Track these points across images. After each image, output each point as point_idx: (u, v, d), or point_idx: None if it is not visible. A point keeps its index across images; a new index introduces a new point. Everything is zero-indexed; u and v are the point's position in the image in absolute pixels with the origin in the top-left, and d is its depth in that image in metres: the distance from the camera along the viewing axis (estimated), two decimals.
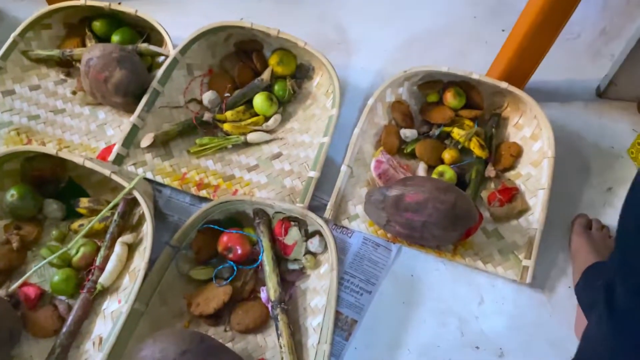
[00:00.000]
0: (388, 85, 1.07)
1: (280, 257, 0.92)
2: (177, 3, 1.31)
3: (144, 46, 1.12)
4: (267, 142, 1.08)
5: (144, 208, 0.87)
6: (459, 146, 1.06)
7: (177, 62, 1.08)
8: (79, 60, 1.14)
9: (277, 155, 1.05)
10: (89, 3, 1.14)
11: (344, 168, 1.00)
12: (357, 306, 0.91)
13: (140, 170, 0.99)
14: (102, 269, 0.87)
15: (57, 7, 1.15)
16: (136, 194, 0.88)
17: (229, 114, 1.08)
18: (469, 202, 0.90)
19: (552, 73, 1.17)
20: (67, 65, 1.17)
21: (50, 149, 0.91)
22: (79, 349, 0.82)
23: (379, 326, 0.89)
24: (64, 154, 0.91)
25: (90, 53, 1.04)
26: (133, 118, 1.01)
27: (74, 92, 1.12)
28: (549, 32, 1.02)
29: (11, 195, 0.91)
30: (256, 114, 1.10)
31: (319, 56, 1.08)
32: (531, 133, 1.06)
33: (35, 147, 0.91)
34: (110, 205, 0.89)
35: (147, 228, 0.85)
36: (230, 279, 0.89)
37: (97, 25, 1.17)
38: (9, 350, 0.79)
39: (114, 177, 0.89)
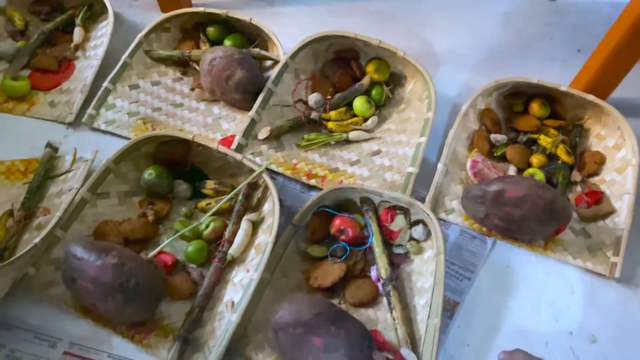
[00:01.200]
0: (480, 93, 1.17)
1: (386, 242, 1.00)
2: (278, 17, 1.43)
3: (256, 51, 1.24)
4: (366, 140, 1.18)
5: (272, 189, 0.97)
6: (546, 152, 1.14)
7: (287, 66, 1.20)
8: (195, 61, 1.26)
9: (377, 152, 1.15)
10: (208, 10, 1.26)
11: (440, 166, 1.09)
12: (457, 290, 0.99)
13: (258, 160, 1.09)
14: (230, 242, 0.97)
15: (177, 13, 1.29)
16: (265, 177, 0.98)
17: (332, 114, 1.18)
18: (564, 200, 0.99)
19: (633, 87, 1.25)
20: (183, 65, 1.29)
21: (187, 134, 1.02)
22: (212, 310, 0.92)
23: (478, 309, 0.97)
24: (199, 140, 1.02)
25: (214, 53, 1.16)
26: (252, 113, 1.12)
27: (192, 89, 1.24)
28: (633, 52, 1.11)
29: (149, 174, 1.02)
30: (355, 115, 1.21)
31: (417, 65, 1.18)
32: (614, 143, 1.14)
33: (173, 132, 1.03)
34: (241, 186, 1.00)
35: (275, 208, 0.95)
36: (344, 257, 0.98)
37: (211, 30, 1.30)
38: (155, 309, 0.89)
39: (245, 161, 1.00)
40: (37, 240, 0.88)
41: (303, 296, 0.87)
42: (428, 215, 0.98)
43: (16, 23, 1.32)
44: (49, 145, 1.08)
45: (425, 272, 0.97)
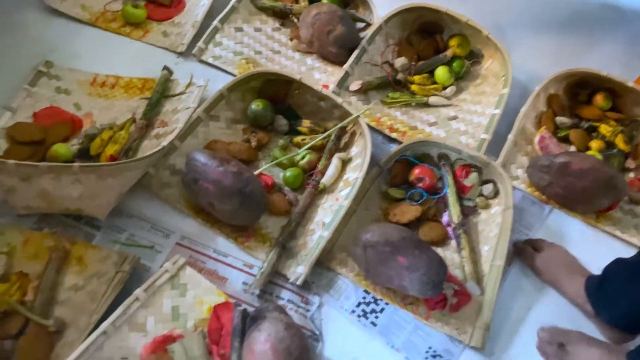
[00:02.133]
0: (552, 79, 1.29)
1: (458, 194, 1.13)
2: None
3: (351, 12, 1.36)
4: (444, 105, 1.30)
5: (366, 132, 1.10)
6: (605, 139, 1.26)
7: (380, 29, 1.31)
8: (295, 14, 1.38)
9: (454, 117, 1.27)
10: None
11: (510, 137, 1.21)
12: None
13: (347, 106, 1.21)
14: (322, 173, 1.10)
15: None
16: (361, 121, 1.11)
17: (416, 78, 1.30)
18: (623, 178, 1.11)
19: None
20: (282, 17, 1.41)
21: (295, 75, 1.14)
22: (305, 227, 1.05)
23: None
24: (305, 81, 1.14)
25: (319, 8, 1.28)
26: (346, 66, 1.25)
27: (290, 39, 1.36)
28: None
29: (257, 105, 1.15)
30: (436, 82, 1.33)
31: (499, 45, 1.30)
32: None
33: (282, 71, 1.15)
34: (338, 126, 1.13)
35: (367, 149, 1.08)
36: (421, 201, 1.10)
37: None
38: (260, 217, 1.02)
39: (345, 105, 1.12)
40: (164, 143, 1.01)
41: (388, 224, 1.00)
42: (501, 175, 1.10)
43: None
44: (165, 68, 1.20)
45: (491, 223, 1.10)
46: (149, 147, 1.08)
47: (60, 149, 1.03)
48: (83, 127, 1.12)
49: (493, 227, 1.09)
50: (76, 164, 0.92)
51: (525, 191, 1.19)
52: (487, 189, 1.13)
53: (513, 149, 1.22)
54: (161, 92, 1.17)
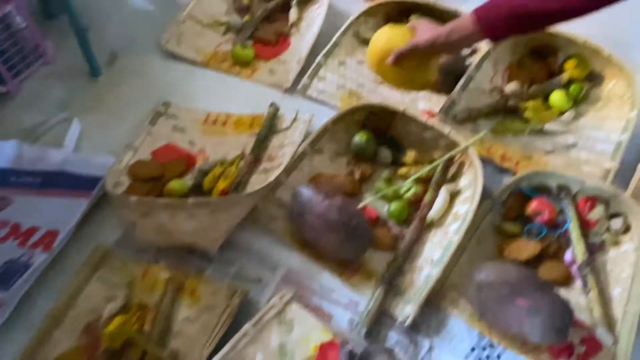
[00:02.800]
0: None
1: (582, 229, 1.03)
2: None
3: None
4: (562, 132, 1.20)
5: (476, 163, 1.04)
6: None
7: (489, 54, 1.26)
8: None
9: (573, 145, 1.17)
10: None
11: None
12: None
13: (454, 135, 1.16)
14: (429, 206, 1.05)
15: (385, 0, 1.40)
16: (471, 152, 1.06)
17: (529, 104, 1.22)
18: None
19: None
20: None
21: (399, 107, 1.12)
22: (412, 264, 1.01)
23: None
24: (410, 113, 1.12)
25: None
26: (453, 94, 1.20)
27: None
28: None
29: (360, 137, 1.14)
30: (550, 107, 1.24)
31: (622, 66, 1.19)
32: None
33: (387, 103, 1.13)
34: (445, 157, 1.09)
35: (478, 180, 1.02)
36: (540, 236, 1.02)
37: (414, 18, 1.39)
38: (365, 252, 0.99)
39: (452, 135, 1.08)
40: (271, 178, 1.03)
41: (503, 263, 0.93)
42: (632, 207, 0.99)
43: (243, 1, 1.51)
44: (273, 104, 1.24)
45: (622, 262, 0.99)
46: (257, 182, 1.11)
47: (175, 184, 1.09)
48: (197, 163, 1.17)
49: (625, 267, 0.98)
50: (190, 200, 0.96)
51: None
52: (616, 223, 1.02)
53: None
54: (269, 127, 1.20)
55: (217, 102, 1.30)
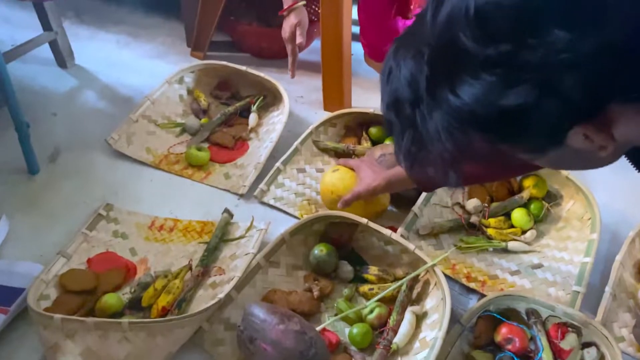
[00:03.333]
0: None
1: None
2: None
3: None
4: (525, 252, 1.17)
5: (444, 285, 0.97)
6: None
7: None
8: (357, 155, 1.34)
9: (538, 266, 1.14)
10: (376, 112, 1.37)
11: (608, 289, 1.05)
12: None
13: (420, 252, 1.10)
14: (395, 331, 0.96)
15: (346, 111, 1.41)
16: (437, 271, 0.99)
17: (492, 221, 1.20)
18: None
19: None
20: (344, 157, 1.37)
21: (363, 219, 1.06)
22: None
23: None
24: (373, 225, 1.06)
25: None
26: (415, 207, 1.17)
27: None
28: None
29: (320, 250, 1.06)
30: (513, 226, 1.21)
31: (581, 187, 1.20)
32: None
33: (348, 214, 1.07)
34: (412, 274, 1.01)
35: (446, 304, 0.95)
36: None
37: (373, 130, 1.39)
38: None
39: (417, 252, 1.02)
40: (221, 295, 0.93)
41: None
42: (607, 338, 0.93)
43: (201, 103, 1.48)
44: (226, 211, 1.16)
45: None
46: (204, 298, 0.99)
47: (110, 299, 0.96)
48: (137, 274, 1.06)
49: None
50: (125, 320, 0.84)
51: (635, 356, 1.00)
52: (590, 354, 0.96)
53: (613, 304, 1.05)
54: (220, 236, 1.11)
55: (165, 206, 1.21)
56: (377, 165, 1.13)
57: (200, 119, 1.45)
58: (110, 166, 1.30)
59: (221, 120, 1.43)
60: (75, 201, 1.20)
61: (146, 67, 1.65)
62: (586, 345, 0.97)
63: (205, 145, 1.38)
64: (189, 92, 1.51)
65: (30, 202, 1.20)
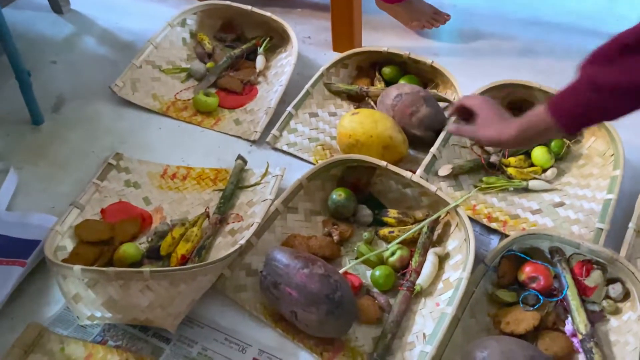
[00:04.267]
0: None
1: (581, 297, 0.95)
2: (447, 67, 1.45)
3: (434, 92, 1.27)
4: (546, 190, 1.14)
5: (467, 226, 0.95)
6: None
7: None
8: (371, 97, 1.30)
9: (560, 204, 1.11)
10: (390, 50, 1.31)
11: (631, 225, 1.04)
12: None
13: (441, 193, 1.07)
14: (418, 272, 0.95)
15: (358, 51, 1.35)
16: (460, 212, 0.97)
17: (512, 160, 1.17)
18: None
19: None
20: (357, 100, 1.33)
21: (382, 162, 1.03)
22: (401, 339, 0.89)
23: None
24: (392, 167, 1.03)
25: (399, 89, 1.20)
26: (434, 149, 1.13)
27: None
28: None
29: (339, 194, 1.04)
30: (533, 164, 1.18)
31: (605, 124, 1.16)
32: None
33: (366, 157, 1.04)
34: (434, 216, 0.99)
35: (470, 245, 0.93)
36: (537, 306, 0.93)
37: (387, 70, 1.34)
38: (350, 328, 0.87)
39: (440, 193, 1.00)
40: (242, 241, 0.91)
41: (508, 338, 0.83)
42: (633, 274, 0.92)
43: (206, 46, 1.42)
44: (240, 158, 1.12)
45: (626, 333, 0.91)
46: (223, 245, 0.98)
47: (129, 249, 0.94)
48: (153, 224, 1.03)
49: (629, 338, 0.90)
50: (147, 269, 0.82)
51: None
52: (615, 290, 0.95)
53: (636, 240, 1.04)
54: (235, 183, 1.08)
55: (176, 154, 1.18)
56: (502, 110, 0.91)
57: (205, 63, 1.39)
58: (117, 114, 1.26)
59: (227, 64, 1.38)
60: (84, 151, 1.17)
61: (145, 10, 1.57)
62: (611, 281, 0.97)
63: (213, 90, 1.33)
64: (192, 35, 1.45)
65: (37, 153, 1.16)
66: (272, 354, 0.88)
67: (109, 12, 1.56)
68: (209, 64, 1.38)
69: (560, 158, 1.21)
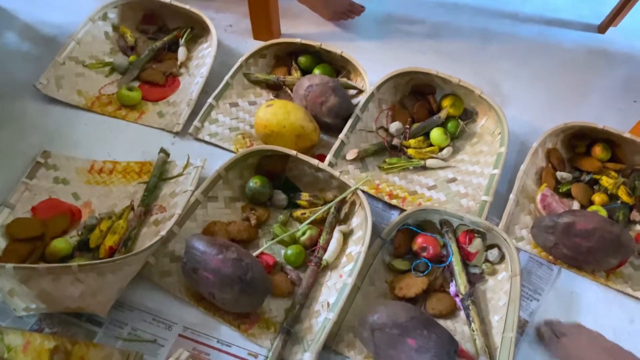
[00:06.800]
0: (549, 133, 1.28)
1: (463, 262, 1.11)
2: (359, 50, 1.56)
3: (343, 80, 1.38)
4: (442, 168, 1.29)
5: (365, 205, 1.09)
6: (607, 192, 1.25)
7: (373, 96, 1.33)
8: (287, 86, 1.40)
9: (453, 180, 1.26)
10: (303, 41, 1.41)
11: (512, 197, 1.20)
12: (527, 309, 1.08)
13: (345, 178, 1.20)
14: (325, 249, 1.09)
15: (275, 42, 1.43)
16: (360, 193, 1.10)
17: (412, 142, 1.31)
18: (629, 236, 1.09)
19: None
20: (275, 89, 1.43)
21: (292, 151, 1.14)
22: (309, 309, 1.03)
23: None
24: (302, 156, 1.14)
25: (310, 80, 1.30)
26: (342, 135, 1.25)
27: None
28: None
29: (255, 182, 1.15)
30: (432, 145, 1.33)
31: (492, 103, 1.30)
32: None
33: (279, 147, 1.15)
34: (337, 199, 1.12)
35: (368, 222, 1.07)
36: (426, 272, 1.08)
37: (302, 60, 1.44)
38: (263, 302, 1.00)
39: (342, 178, 1.12)
40: (162, 233, 1.01)
41: (396, 302, 0.98)
42: (505, 240, 1.08)
43: (128, 39, 1.47)
44: (162, 150, 1.21)
45: (499, 291, 1.07)
46: (148, 235, 1.07)
47: (59, 244, 1.03)
48: (82, 217, 1.11)
49: (501, 294, 1.07)
50: (75, 264, 0.91)
51: (532, 252, 1.17)
52: (493, 254, 1.11)
53: (516, 209, 1.20)
54: (158, 175, 1.17)
55: (102, 149, 1.25)
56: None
57: (128, 57, 1.44)
58: (43, 112, 1.30)
59: (150, 56, 1.43)
60: (12, 150, 1.22)
61: (67, 4, 1.59)
62: (490, 247, 1.13)
63: (136, 84, 1.39)
64: (115, 28, 1.49)
65: None
66: (195, 329, 1.00)
67: (31, 6, 1.57)
68: (132, 57, 1.43)
69: (457, 137, 1.35)
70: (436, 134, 1.32)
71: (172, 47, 1.48)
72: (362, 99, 1.32)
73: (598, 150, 1.30)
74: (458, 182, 1.26)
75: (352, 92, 1.40)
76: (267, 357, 0.94)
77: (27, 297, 0.93)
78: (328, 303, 1.02)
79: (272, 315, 1.02)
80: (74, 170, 1.19)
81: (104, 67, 1.41)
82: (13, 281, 0.92)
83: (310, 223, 1.12)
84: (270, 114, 1.22)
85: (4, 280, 0.93)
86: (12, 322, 0.96)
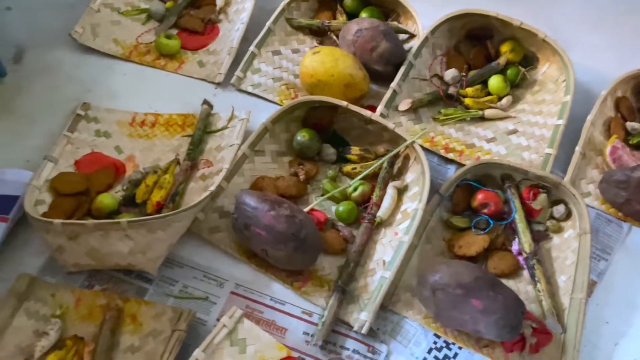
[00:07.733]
0: (620, 80, 1.18)
1: (527, 218, 1.04)
2: None
3: (394, 24, 1.28)
4: (502, 118, 1.20)
5: (423, 160, 1.02)
6: None
7: (427, 41, 1.23)
8: (333, 31, 1.31)
9: (514, 131, 1.18)
10: None
11: (578, 149, 1.11)
12: (595, 270, 1.02)
13: (399, 130, 1.12)
14: (378, 205, 1.03)
15: None
16: (417, 147, 1.03)
17: (469, 90, 1.22)
18: None
19: None
20: (320, 34, 1.34)
21: (342, 102, 1.07)
22: (364, 267, 0.98)
23: (616, 290, 1.00)
24: (352, 107, 1.07)
25: (360, 24, 1.21)
26: (394, 84, 1.17)
27: None
28: None
29: (303, 136, 1.08)
30: (490, 93, 1.23)
31: (557, 48, 1.20)
32: None
33: (327, 98, 1.08)
34: (392, 153, 1.06)
35: (425, 177, 1.00)
36: (487, 230, 1.02)
37: (348, 2, 1.34)
38: (316, 260, 0.96)
39: (398, 130, 1.05)
40: (212, 188, 0.96)
41: (458, 261, 0.92)
42: (574, 196, 1.01)
43: None
44: (205, 102, 1.15)
45: (566, 249, 1.01)
46: (195, 190, 1.03)
47: (105, 199, 0.99)
48: (126, 172, 1.08)
49: (569, 253, 1.00)
50: (124, 220, 0.88)
51: (599, 209, 1.09)
52: (559, 210, 1.04)
53: (582, 162, 1.12)
54: (203, 128, 1.12)
55: (142, 100, 1.20)
56: None
57: (165, 2, 1.37)
58: (80, 62, 1.25)
59: (187, 2, 1.36)
60: (50, 102, 1.18)
61: None
62: (555, 202, 1.05)
63: (174, 31, 1.32)
64: None
65: (3, 107, 1.17)
66: (247, 287, 0.96)
67: None
68: (168, 4, 1.36)
69: (517, 85, 1.26)
70: (495, 82, 1.22)
71: None
72: (414, 44, 1.23)
73: None
74: (519, 133, 1.17)
75: (402, 37, 1.31)
76: (322, 316, 0.91)
77: (76, 254, 0.91)
78: (384, 261, 0.97)
79: (325, 273, 0.98)
80: (115, 123, 1.14)
81: (140, 14, 1.34)
82: (61, 238, 0.89)
83: (362, 179, 1.06)
84: (317, 62, 1.14)
85: (52, 236, 0.90)
86: (62, 279, 0.95)
